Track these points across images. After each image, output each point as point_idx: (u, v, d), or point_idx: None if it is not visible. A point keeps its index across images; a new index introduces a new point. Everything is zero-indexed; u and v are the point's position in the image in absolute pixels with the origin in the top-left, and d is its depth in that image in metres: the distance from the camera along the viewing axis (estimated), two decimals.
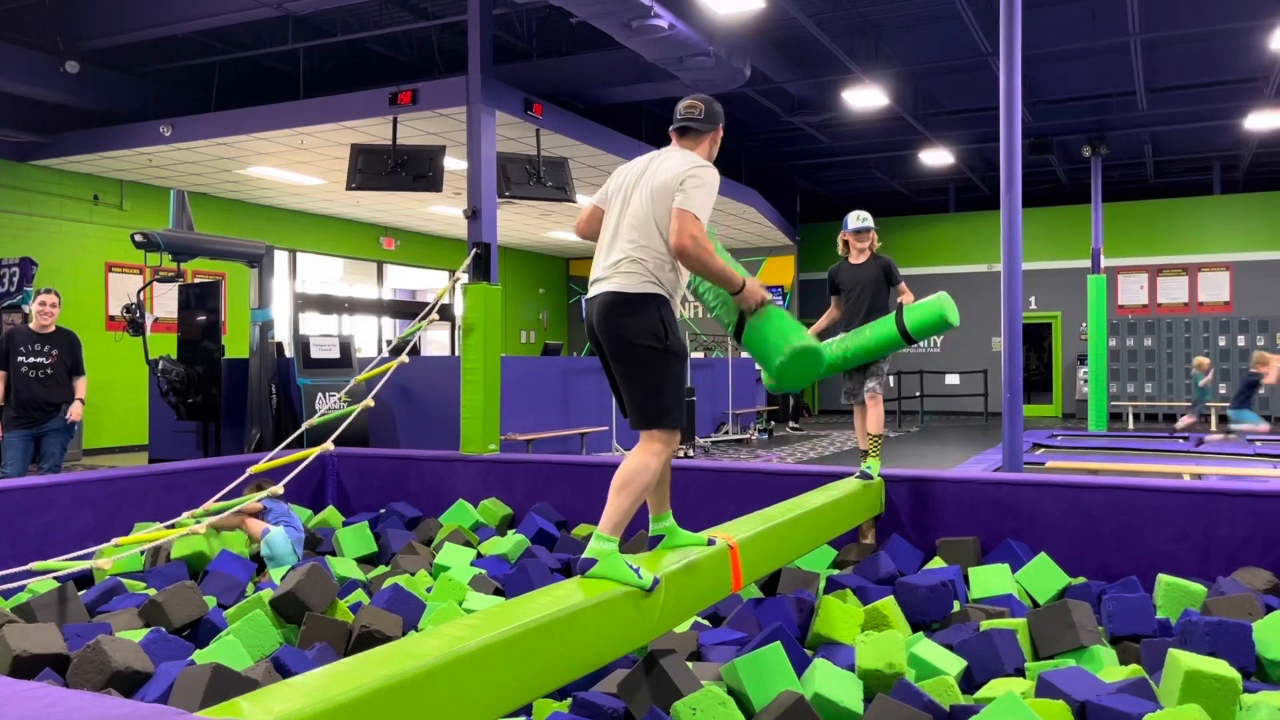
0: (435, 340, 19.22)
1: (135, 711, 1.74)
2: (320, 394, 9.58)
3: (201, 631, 4.08)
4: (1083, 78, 13.43)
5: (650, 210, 3.17)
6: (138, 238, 8.41)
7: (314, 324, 12.66)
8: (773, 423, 17.04)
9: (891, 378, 19.33)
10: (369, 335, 16.63)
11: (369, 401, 6.28)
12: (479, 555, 5.37)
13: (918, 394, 19.01)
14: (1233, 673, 3.05)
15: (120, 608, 4.34)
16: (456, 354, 15.27)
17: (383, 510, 6.60)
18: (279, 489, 5.29)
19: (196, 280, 11.71)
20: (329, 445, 5.67)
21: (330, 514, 6.38)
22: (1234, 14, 10.92)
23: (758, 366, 3.61)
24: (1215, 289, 18.88)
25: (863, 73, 12.08)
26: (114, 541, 4.66)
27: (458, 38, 11.34)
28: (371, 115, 10.59)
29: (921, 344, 20.59)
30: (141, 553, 5.08)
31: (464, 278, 8.08)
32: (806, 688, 3.19)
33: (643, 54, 10.04)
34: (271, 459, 5.57)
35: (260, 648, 3.76)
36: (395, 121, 10.42)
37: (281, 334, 10.63)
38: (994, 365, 18.44)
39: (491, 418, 7.66)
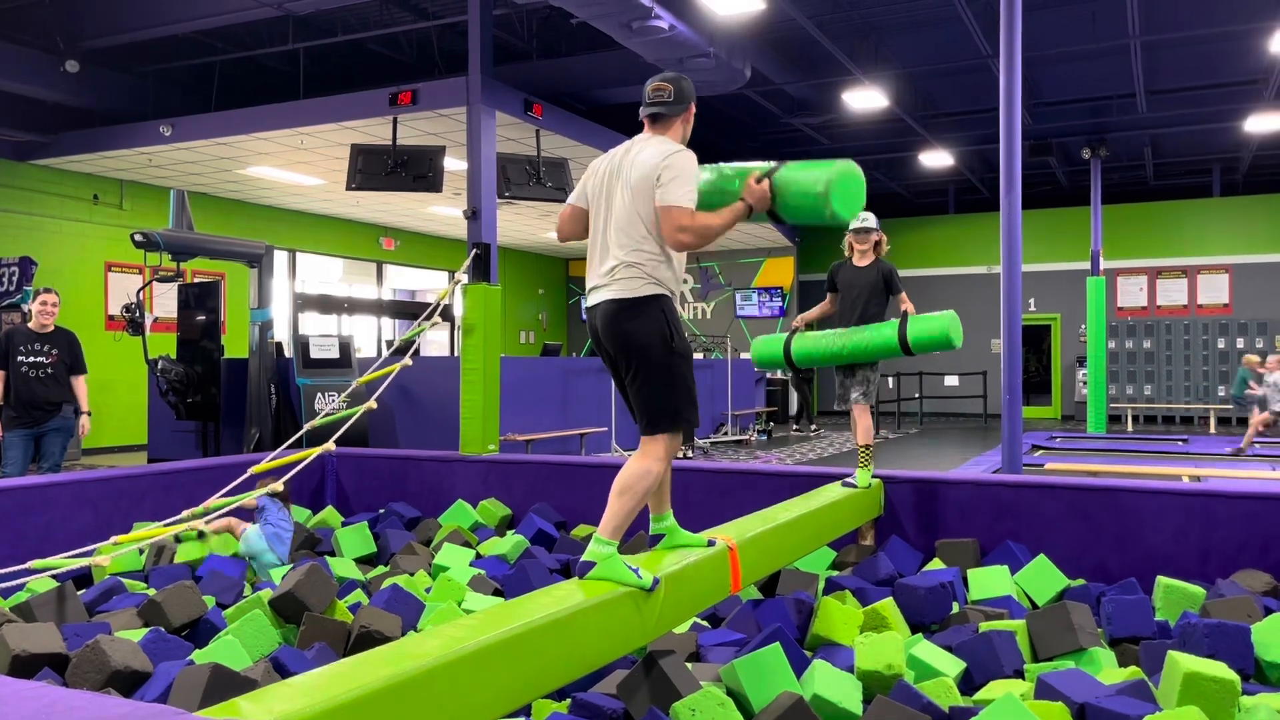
0: (435, 340, 19.21)
1: (134, 711, 1.74)
2: (320, 394, 9.58)
3: (200, 631, 4.08)
4: (1082, 80, 13.44)
5: (633, 208, 3.14)
6: (137, 237, 8.41)
7: (313, 324, 12.65)
8: (772, 424, 17.05)
9: (890, 379, 19.34)
10: (368, 335, 16.63)
11: (371, 404, 6.27)
12: (478, 556, 5.37)
13: (917, 395, 19.01)
14: (1232, 675, 3.05)
15: (119, 607, 4.33)
16: (456, 354, 15.27)
17: (382, 510, 6.59)
18: (279, 485, 5.29)
19: (196, 280, 11.71)
20: (330, 445, 5.67)
21: (329, 514, 6.38)
22: (1234, 16, 10.93)
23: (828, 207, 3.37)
24: (1215, 291, 18.88)
25: (862, 74, 12.09)
26: (113, 540, 4.66)
27: (458, 38, 11.34)
28: (371, 115, 10.59)
29: None
30: (141, 552, 5.08)
31: (464, 278, 8.08)
32: (805, 689, 3.19)
33: (643, 55, 10.04)
34: (273, 459, 5.57)
35: (259, 648, 3.75)
36: (395, 122, 10.42)
37: (281, 334, 10.63)
38: (993, 367, 18.43)
39: (491, 418, 7.65)
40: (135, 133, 11.82)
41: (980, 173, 18.78)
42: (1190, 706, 2.93)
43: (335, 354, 10.08)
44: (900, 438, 15.51)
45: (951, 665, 3.53)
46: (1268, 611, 4.03)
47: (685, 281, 21.60)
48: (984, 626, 3.87)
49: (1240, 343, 18.10)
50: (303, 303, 10.53)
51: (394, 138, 10.42)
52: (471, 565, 5.02)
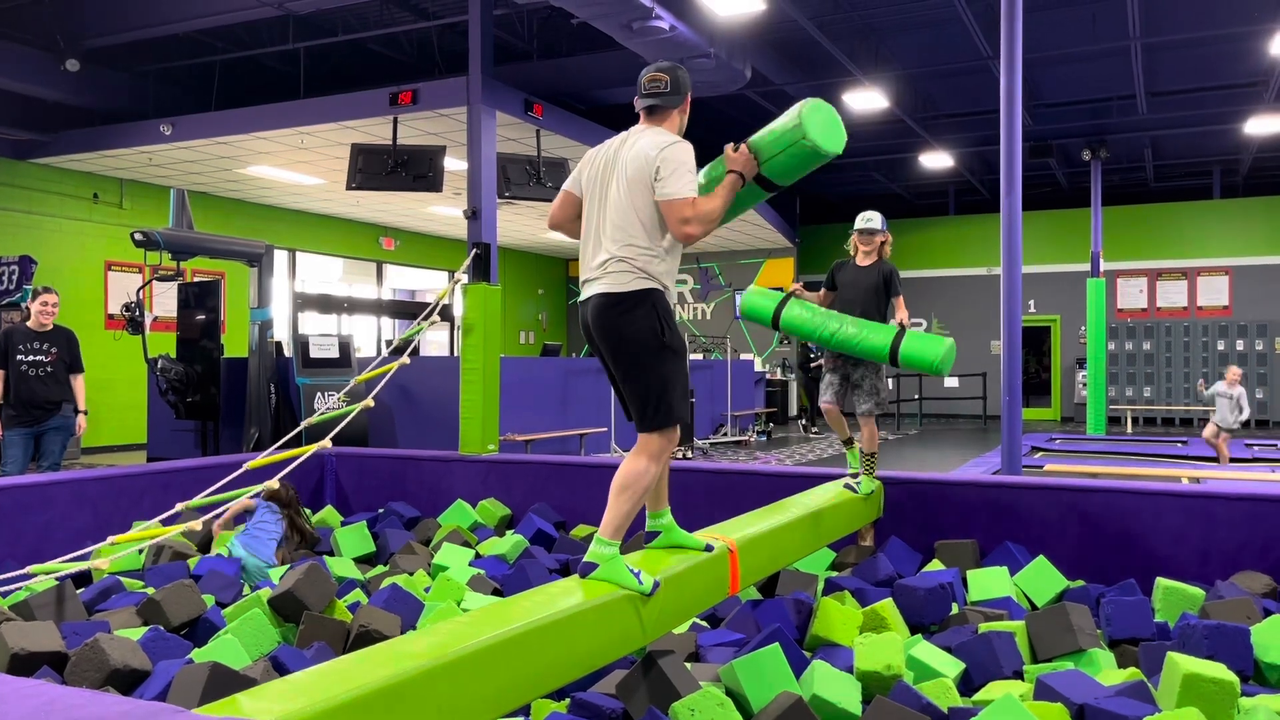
0: (435, 340, 19.21)
1: (133, 709, 1.73)
2: (319, 393, 9.58)
3: (200, 630, 4.08)
4: (1083, 81, 13.44)
5: (629, 202, 3.10)
6: (137, 236, 8.40)
7: (313, 323, 12.65)
8: (771, 425, 17.04)
9: (890, 380, 19.32)
10: (368, 335, 16.62)
11: (369, 402, 6.27)
12: (477, 555, 5.37)
13: (916, 397, 19.02)
14: (1231, 676, 3.05)
15: (118, 606, 4.33)
16: (456, 354, 15.26)
17: (381, 510, 6.59)
18: (274, 484, 5.25)
19: (196, 279, 11.70)
20: (327, 443, 5.65)
21: (329, 513, 6.38)
22: (1234, 18, 10.93)
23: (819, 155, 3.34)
24: (1214, 293, 18.89)
25: (863, 75, 12.09)
26: (110, 540, 4.66)
27: (458, 38, 11.34)
28: (372, 115, 10.59)
29: None
30: (140, 551, 5.08)
31: (464, 278, 8.08)
32: (805, 689, 3.19)
33: (643, 55, 10.04)
34: (268, 455, 5.56)
35: (258, 647, 3.75)
36: (395, 121, 10.42)
37: (281, 333, 10.63)
38: (993, 368, 18.43)
39: (490, 418, 7.65)
40: (135, 132, 11.81)
41: (980, 174, 18.78)
42: (1189, 708, 2.93)
43: (335, 354, 10.08)
44: (900, 439, 15.51)
45: (951, 666, 3.53)
46: (1267, 613, 4.03)
47: (684, 282, 21.63)
48: (983, 627, 3.87)
49: (1240, 345, 18.11)
50: (302, 302, 10.53)
51: (394, 137, 10.42)
52: (471, 565, 5.02)
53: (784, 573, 4.55)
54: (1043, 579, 4.61)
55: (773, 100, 13.92)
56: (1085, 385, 16.71)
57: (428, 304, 8.01)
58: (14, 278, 11.84)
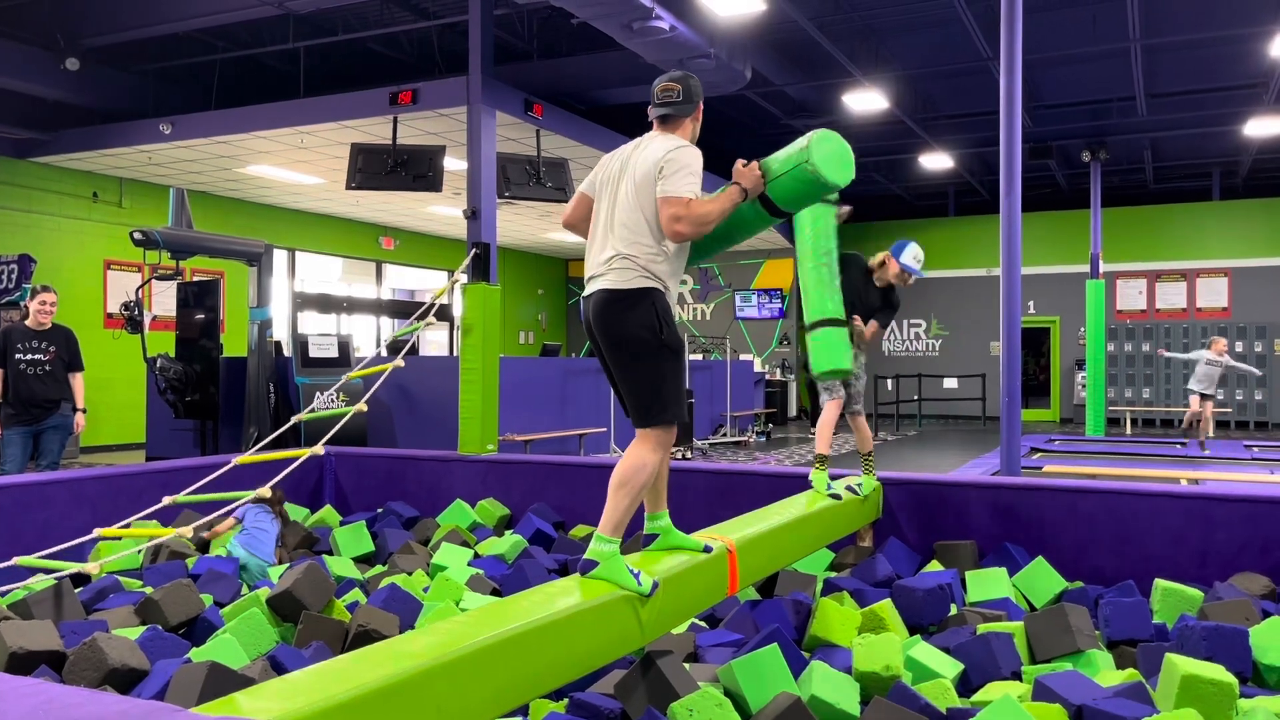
0: (434, 340, 19.22)
1: (132, 708, 1.73)
2: (318, 393, 9.59)
3: (198, 629, 4.08)
4: (1083, 83, 13.44)
5: (636, 203, 3.15)
6: (137, 235, 8.40)
7: (312, 323, 12.66)
8: (771, 425, 17.04)
9: (889, 381, 19.33)
10: (368, 335, 16.63)
11: (361, 406, 6.25)
12: (476, 555, 5.37)
13: (916, 398, 19.02)
14: (1229, 677, 3.05)
15: (117, 605, 4.33)
16: (455, 354, 15.26)
17: (380, 510, 6.59)
18: (265, 491, 5.23)
19: (195, 278, 11.71)
20: (319, 449, 5.63)
21: (328, 513, 6.38)
22: (1234, 20, 10.94)
23: (827, 183, 3.31)
24: (1214, 295, 18.89)
25: (863, 76, 12.09)
26: (95, 532, 4.64)
27: (458, 38, 11.34)
28: (371, 115, 10.59)
29: (921, 347, 20.68)
30: (139, 551, 5.08)
31: (463, 278, 8.08)
32: (803, 690, 3.19)
33: (643, 55, 10.04)
34: (257, 451, 5.54)
35: (257, 646, 3.75)
36: (395, 121, 10.42)
37: (280, 333, 10.63)
38: (992, 369, 18.43)
39: (490, 418, 7.65)
40: (135, 131, 11.81)
41: (980, 175, 18.79)
42: (1188, 709, 2.93)
43: (334, 353, 10.08)
44: (899, 440, 15.51)
45: (949, 667, 3.53)
46: (1266, 614, 4.03)
47: (684, 283, 21.63)
48: (982, 628, 3.87)
49: (1239, 346, 18.11)
50: (302, 302, 10.53)
51: (394, 137, 10.42)
52: (469, 565, 5.02)
53: (783, 573, 4.55)
54: (1041, 580, 4.61)
55: (773, 101, 13.92)
56: (1084, 386, 16.72)
57: (427, 304, 8.00)
58: (13, 276, 11.84)
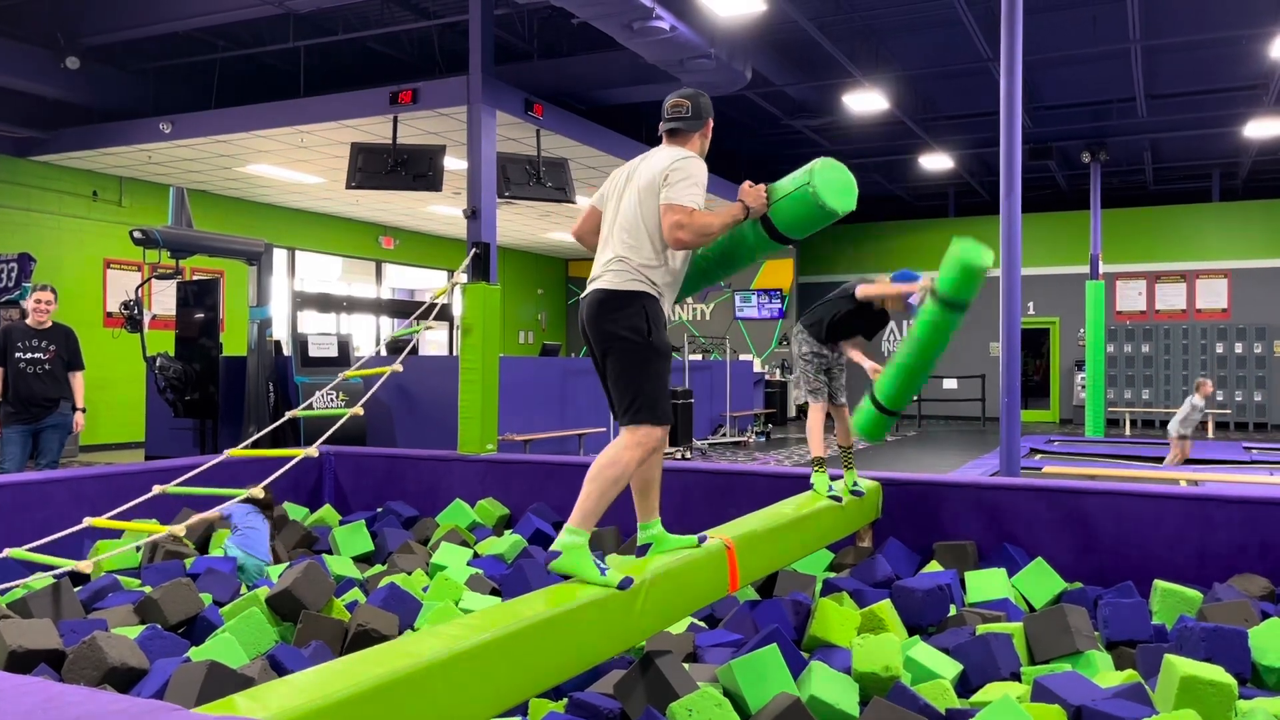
0: (434, 340, 19.22)
1: (131, 707, 1.73)
2: (318, 393, 9.59)
3: (197, 629, 4.08)
4: (1083, 84, 13.45)
5: (638, 211, 3.21)
6: (136, 234, 8.40)
7: (312, 322, 12.65)
8: (770, 425, 17.04)
9: None
10: (367, 334, 16.64)
11: (358, 409, 6.22)
12: (475, 555, 5.37)
13: (915, 398, 19.02)
14: (1229, 679, 3.06)
15: (116, 604, 4.33)
16: (455, 354, 15.27)
17: (380, 509, 6.58)
18: (258, 491, 5.21)
19: (195, 277, 11.71)
20: (313, 450, 5.61)
21: (327, 512, 6.37)
22: (1234, 21, 10.94)
23: (832, 206, 3.36)
24: (1213, 296, 18.90)
25: (863, 76, 12.09)
26: (86, 521, 4.63)
27: (458, 37, 11.34)
28: (372, 114, 10.59)
29: None
30: (137, 548, 5.08)
31: (463, 278, 8.08)
32: (802, 690, 3.19)
33: (644, 55, 10.04)
34: (248, 445, 5.53)
35: (256, 645, 3.75)
36: (395, 121, 10.42)
37: (279, 332, 10.63)
38: (992, 370, 18.44)
39: (489, 418, 7.65)
40: (135, 130, 11.81)
41: (980, 176, 18.79)
42: (1187, 710, 2.93)
43: (334, 353, 10.08)
44: (898, 440, 15.51)
45: (948, 667, 3.53)
46: (1265, 616, 4.03)
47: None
48: (981, 629, 3.87)
49: (1239, 347, 18.13)
50: (301, 301, 10.53)
51: (394, 136, 10.42)
52: (469, 565, 5.02)
53: (782, 573, 4.55)
54: (1041, 581, 4.61)
55: (773, 101, 13.92)
56: (1084, 387, 16.72)
57: (427, 304, 7.99)
58: (13, 275, 11.84)
